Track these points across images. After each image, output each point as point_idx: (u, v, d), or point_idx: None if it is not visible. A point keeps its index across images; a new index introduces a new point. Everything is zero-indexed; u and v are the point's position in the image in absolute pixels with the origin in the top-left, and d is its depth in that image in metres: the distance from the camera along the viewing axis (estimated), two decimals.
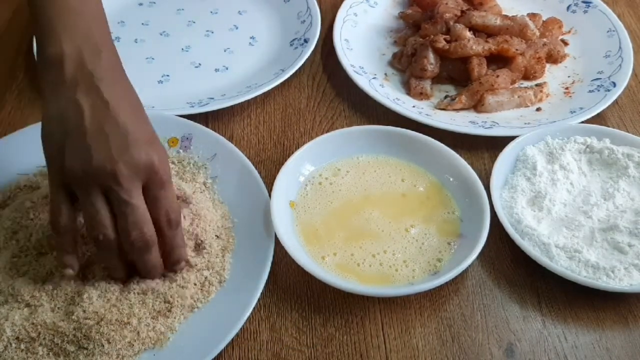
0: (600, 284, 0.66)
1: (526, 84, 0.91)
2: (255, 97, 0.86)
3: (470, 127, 0.83)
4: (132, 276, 0.64)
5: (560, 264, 0.68)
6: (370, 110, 0.88)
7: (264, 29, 1.00)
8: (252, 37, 0.98)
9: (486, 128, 0.83)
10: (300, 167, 0.76)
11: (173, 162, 0.77)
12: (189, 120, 0.80)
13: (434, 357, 0.64)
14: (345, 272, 0.68)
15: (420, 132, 0.79)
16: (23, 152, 0.74)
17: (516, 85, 0.91)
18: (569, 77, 0.93)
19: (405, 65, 0.92)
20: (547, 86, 0.90)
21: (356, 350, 0.64)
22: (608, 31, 0.97)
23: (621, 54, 0.93)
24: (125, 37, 0.97)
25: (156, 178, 0.59)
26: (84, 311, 0.61)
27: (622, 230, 0.70)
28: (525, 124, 0.84)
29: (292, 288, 0.68)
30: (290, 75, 0.89)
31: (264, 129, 0.85)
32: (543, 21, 0.98)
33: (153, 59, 0.94)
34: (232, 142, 0.78)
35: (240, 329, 0.63)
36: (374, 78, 0.90)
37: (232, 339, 0.63)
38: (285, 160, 0.75)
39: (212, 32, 0.99)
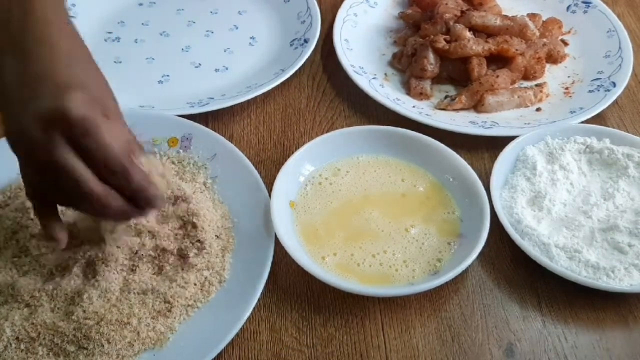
0: (600, 284, 0.66)
1: (526, 84, 0.91)
2: (255, 97, 0.86)
3: (470, 127, 0.83)
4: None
5: (560, 264, 0.68)
6: (370, 110, 0.88)
7: (264, 29, 1.00)
8: (252, 37, 0.98)
9: (486, 128, 0.83)
10: (300, 167, 0.76)
11: (173, 162, 0.77)
12: (189, 120, 0.80)
13: (434, 357, 0.64)
14: (345, 272, 0.68)
15: (420, 132, 0.79)
16: None
17: (516, 85, 0.91)
18: (568, 77, 0.93)
19: (405, 65, 0.92)
20: (547, 86, 0.90)
21: (356, 350, 0.64)
22: (608, 31, 0.97)
23: (621, 54, 0.93)
24: (125, 37, 0.97)
25: (72, 128, 0.50)
26: (84, 311, 0.61)
27: (622, 230, 0.70)
28: (525, 124, 0.84)
29: (292, 288, 0.68)
30: (290, 75, 0.89)
31: (264, 129, 0.85)
32: (543, 21, 0.98)
33: (153, 59, 0.94)
34: (232, 142, 0.78)
35: (240, 329, 0.63)
36: (374, 78, 0.90)
37: (232, 339, 0.63)
38: (285, 160, 0.75)
39: (212, 32, 0.99)
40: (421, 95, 0.88)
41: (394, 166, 0.78)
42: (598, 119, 0.85)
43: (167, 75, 0.92)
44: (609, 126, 0.85)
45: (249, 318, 0.64)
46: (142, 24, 1.00)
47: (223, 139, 0.78)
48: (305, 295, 0.68)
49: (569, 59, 0.96)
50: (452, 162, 0.76)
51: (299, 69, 0.90)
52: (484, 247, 0.67)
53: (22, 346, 0.60)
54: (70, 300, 0.62)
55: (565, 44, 0.97)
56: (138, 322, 0.62)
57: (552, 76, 0.93)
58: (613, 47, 0.94)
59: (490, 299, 0.68)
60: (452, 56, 0.88)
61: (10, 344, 0.60)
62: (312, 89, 0.91)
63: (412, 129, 0.79)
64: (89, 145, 0.50)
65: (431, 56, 0.88)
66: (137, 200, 0.55)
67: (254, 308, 0.64)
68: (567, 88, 0.91)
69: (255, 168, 0.75)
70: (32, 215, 0.68)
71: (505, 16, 0.94)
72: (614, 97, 0.86)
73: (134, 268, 0.66)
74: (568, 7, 1.02)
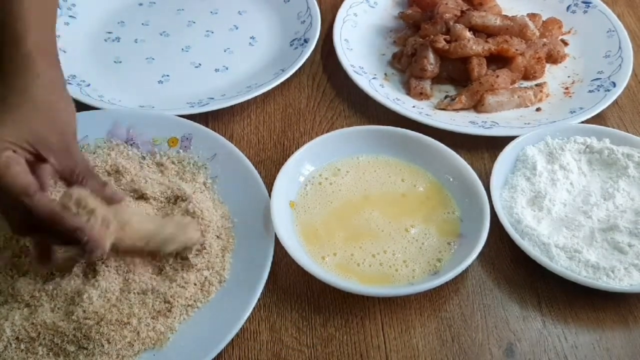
0: (600, 284, 0.66)
1: (526, 84, 0.91)
2: (255, 97, 0.86)
3: (470, 127, 0.83)
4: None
5: (560, 264, 0.68)
6: (370, 110, 0.88)
7: (264, 29, 1.00)
8: (252, 37, 0.98)
9: (486, 128, 0.83)
10: (300, 167, 0.76)
11: (173, 162, 0.77)
12: (189, 120, 0.80)
13: (434, 357, 0.64)
14: (345, 272, 0.68)
15: (420, 132, 0.79)
16: None
17: (516, 85, 0.91)
18: (568, 77, 0.93)
19: (405, 65, 0.92)
20: (547, 86, 0.90)
21: (356, 350, 0.64)
22: (608, 31, 0.97)
23: (621, 54, 0.93)
24: (125, 37, 0.97)
25: None
26: (84, 311, 0.61)
27: (622, 230, 0.70)
28: (525, 124, 0.84)
29: (292, 288, 0.68)
30: (290, 75, 0.89)
31: (264, 129, 0.85)
32: (543, 21, 0.98)
33: (153, 59, 0.94)
34: (232, 142, 0.78)
35: (240, 329, 0.63)
36: (374, 78, 0.90)
37: (232, 339, 0.63)
38: (285, 160, 0.75)
39: (212, 32, 0.99)
40: (421, 95, 0.89)
41: (394, 166, 0.78)
42: (598, 119, 0.85)
43: (167, 75, 0.92)
44: (609, 126, 0.85)
45: (249, 318, 0.64)
46: (142, 24, 1.00)
47: (223, 139, 0.78)
48: (305, 295, 0.68)
49: (569, 59, 0.96)
50: (452, 162, 0.76)
51: (299, 69, 0.90)
52: (484, 247, 0.67)
53: (22, 346, 0.60)
54: (70, 300, 0.62)
55: (565, 44, 0.97)
56: (138, 322, 0.62)
57: (552, 76, 0.93)
58: (613, 47, 0.94)
59: (490, 299, 0.68)
60: (452, 56, 0.89)
61: (10, 344, 0.60)
62: (312, 89, 0.91)
63: (412, 129, 0.79)
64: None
65: (431, 56, 0.88)
66: (58, 234, 0.57)
67: (254, 308, 0.64)
68: (567, 88, 0.91)
69: (255, 168, 0.75)
70: None
71: (505, 16, 0.94)
72: (614, 97, 0.86)
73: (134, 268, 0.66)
74: (568, 7, 1.02)
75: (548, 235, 0.70)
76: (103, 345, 0.60)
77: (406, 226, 0.72)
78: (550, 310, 0.67)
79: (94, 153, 0.77)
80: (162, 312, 0.63)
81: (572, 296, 0.68)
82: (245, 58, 0.95)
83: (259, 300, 0.65)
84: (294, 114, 0.87)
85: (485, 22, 0.91)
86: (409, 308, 0.67)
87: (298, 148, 0.77)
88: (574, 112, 0.85)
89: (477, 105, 0.87)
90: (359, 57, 0.93)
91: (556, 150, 0.78)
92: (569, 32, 1.00)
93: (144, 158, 0.77)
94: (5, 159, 0.55)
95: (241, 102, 0.85)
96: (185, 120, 0.80)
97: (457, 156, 0.76)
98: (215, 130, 0.80)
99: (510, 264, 0.71)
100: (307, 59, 0.92)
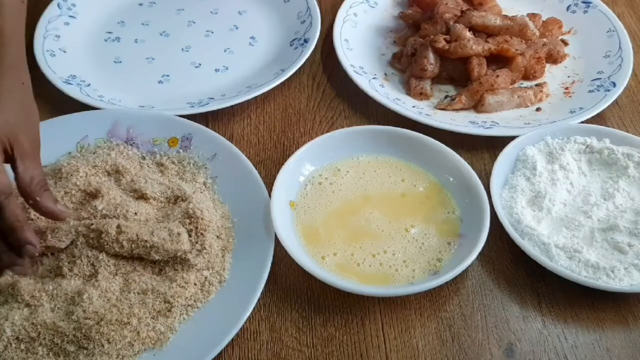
0: (600, 284, 0.66)
1: (526, 84, 0.91)
2: (255, 97, 0.86)
3: (470, 127, 0.83)
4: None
5: (560, 264, 0.68)
6: (370, 110, 0.88)
7: (264, 29, 1.00)
8: (252, 37, 0.98)
9: (486, 128, 0.83)
10: (300, 167, 0.76)
11: (173, 162, 0.77)
12: (188, 120, 0.80)
13: (434, 357, 0.64)
14: (345, 272, 0.68)
15: (420, 132, 0.79)
16: None
17: (516, 85, 0.91)
18: (568, 77, 0.93)
19: (405, 65, 0.92)
20: (547, 86, 0.90)
21: (356, 350, 0.64)
22: (608, 31, 0.97)
23: (621, 54, 0.93)
24: (125, 37, 0.97)
25: None
26: (84, 311, 0.61)
27: (622, 230, 0.70)
28: (525, 124, 0.84)
29: (292, 288, 0.68)
30: (290, 75, 0.89)
31: (264, 129, 0.85)
32: (543, 21, 0.98)
33: (153, 59, 0.94)
34: (232, 142, 0.78)
35: (240, 329, 0.63)
36: (374, 78, 0.90)
37: (232, 339, 0.63)
38: (285, 160, 0.75)
39: (212, 32, 0.99)
40: (421, 95, 0.89)
41: (394, 166, 0.78)
42: (598, 119, 0.85)
43: (167, 75, 0.92)
44: (609, 126, 0.85)
45: (249, 318, 0.64)
46: (142, 24, 1.00)
47: (223, 139, 0.78)
48: (305, 295, 0.68)
49: (569, 59, 0.96)
50: (452, 162, 0.76)
51: (299, 69, 0.90)
52: (484, 247, 0.67)
53: (22, 346, 0.60)
54: (70, 300, 0.62)
55: (565, 44, 0.97)
56: (138, 322, 0.62)
57: (552, 76, 0.93)
58: (613, 47, 0.94)
59: (490, 299, 0.68)
60: (452, 56, 0.88)
61: (11, 344, 0.60)
62: (312, 89, 0.91)
63: (412, 129, 0.79)
64: None
65: (431, 56, 0.88)
66: (11, 240, 0.61)
67: (254, 308, 0.64)
68: (567, 88, 0.91)
69: (255, 168, 0.75)
70: (32, 215, 0.68)
71: (505, 16, 0.94)
72: (614, 97, 0.86)
73: (134, 268, 0.66)
74: (568, 7, 1.02)
75: (548, 235, 0.70)
76: (103, 345, 0.60)
77: (406, 226, 0.72)
78: (550, 310, 0.67)
79: (94, 153, 0.77)
80: (162, 312, 0.63)
81: (572, 296, 0.68)
82: (245, 58, 0.95)
83: (259, 300, 0.65)
84: (294, 114, 0.87)
85: (485, 22, 0.91)
86: (409, 308, 0.67)
87: (298, 148, 0.77)
88: (574, 112, 0.85)
89: (477, 105, 0.87)
90: (359, 57, 0.93)
91: (556, 150, 0.78)
92: (569, 32, 1.00)
93: (144, 158, 0.77)
94: None
95: (241, 102, 0.85)
96: (185, 120, 0.80)
97: (457, 156, 0.76)
98: (215, 130, 0.80)
99: (510, 264, 0.71)
100: (307, 59, 0.92)
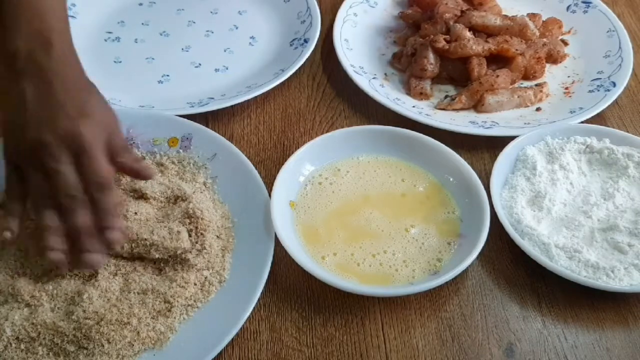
0: (600, 284, 0.66)
1: (526, 84, 0.91)
2: (255, 97, 0.86)
3: (470, 127, 0.83)
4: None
5: (560, 264, 0.68)
6: (370, 110, 0.88)
7: (264, 29, 1.00)
8: (252, 37, 0.98)
9: (486, 128, 0.83)
10: (300, 167, 0.76)
11: (173, 162, 0.77)
12: (188, 120, 0.80)
13: (434, 357, 0.64)
14: (345, 272, 0.68)
15: (420, 132, 0.79)
16: None
17: (516, 85, 0.91)
18: (568, 77, 0.93)
19: (405, 65, 0.92)
20: (547, 86, 0.90)
21: (356, 350, 0.64)
22: (608, 31, 0.97)
23: (621, 54, 0.93)
24: (125, 37, 0.97)
25: (79, 146, 0.61)
26: (84, 311, 0.61)
27: (622, 230, 0.70)
28: (525, 124, 0.84)
29: (292, 288, 0.68)
30: (290, 75, 0.89)
31: (264, 129, 0.85)
32: (543, 21, 0.98)
33: (153, 59, 0.94)
34: (232, 142, 0.78)
35: (240, 329, 0.63)
36: (374, 78, 0.90)
37: (232, 339, 0.63)
38: (285, 160, 0.75)
39: (212, 32, 0.99)
40: (421, 95, 0.89)
41: (394, 166, 0.78)
42: (598, 119, 0.85)
43: (167, 75, 0.92)
44: (609, 126, 0.85)
45: (249, 318, 0.64)
46: (142, 24, 1.00)
47: (223, 139, 0.78)
48: (305, 295, 0.68)
49: (569, 59, 0.96)
50: (452, 162, 0.76)
51: (299, 69, 0.90)
52: (484, 247, 0.67)
53: (22, 346, 0.60)
54: (70, 300, 0.62)
55: (565, 43, 0.97)
56: (138, 322, 0.62)
57: (552, 76, 0.93)
58: (613, 47, 0.94)
59: (490, 299, 0.68)
60: (452, 56, 0.88)
61: (10, 344, 0.60)
62: (312, 89, 0.91)
63: (412, 129, 0.79)
64: (84, 161, 0.61)
65: (431, 56, 0.88)
66: (101, 220, 0.62)
67: (254, 308, 0.64)
68: (567, 88, 0.91)
69: (255, 168, 0.75)
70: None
71: (505, 16, 0.94)
72: (614, 97, 0.86)
73: (134, 268, 0.66)
74: (568, 7, 1.02)
75: (548, 235, 0.70)
76: (103, 345, 0.60)
77: (406, 226, 0.72)
78: (550, 310, 0.67)
79: None
80: (162, 312, 0.63)
81: (572, 296, 0.68)
82: (245, 58, 0.95)
83: (259, 300, 0.65)
84: (294, 114, 0.87)
85: (485, 22, 0.91)
86: (409, 308, 0.67)
87: (298, 148, 0.77)
88: (574, 112, 0.85)
89: (477, 105, 0.87)
90: (359, 57, 0.93)
91: (556, 150, 0.78)
92: (569, 32, 1.00)
93: (144, 158, 0.77)
94: (101, 148, 0.62)
95: (241, 102, 0.85)
96: (185, 120, 0.80)
97: (457, 156, 0.76)
98: (215, 130, 0.80)
99: (510, 264, 0.71)
100: (307, 59, 0.92)
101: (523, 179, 0.75)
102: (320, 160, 0.77)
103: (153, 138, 0.79)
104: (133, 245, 0.65)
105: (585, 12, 1.01)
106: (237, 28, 1.00)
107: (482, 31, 0.92)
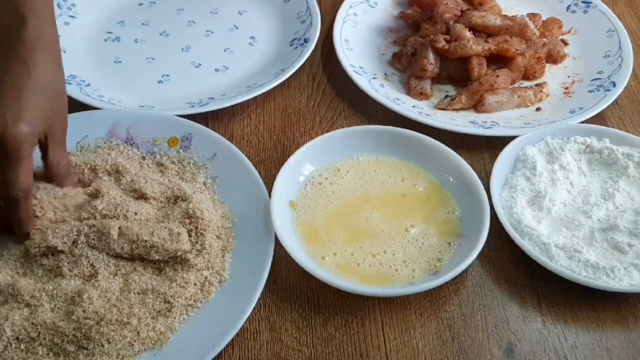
0: (600, 284, 0.66)
1: (526, 84, 0.91)
2: (255, 97, 0.86)
3: (470, 127, 0.83)
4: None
5: (560, 264, 0.68)
6: (370, 110, 0.88)
7: (264, 29, 1.00)
8: (252, 37, 0.98)
9: (486, 128, 0.83)
10: (300, 167, 0.76)
11: (173, 162, 0.77)
12: (189, 120, 0.80)
13: (434, 357, 0.64)
14: (345, 272, 0.68)
15: (420, 132, 0.79)
16: None
17: (516, 85, 0.91)
18: (568, 77, 0.93)
19: (405, 65, 0.92)
20: (547, 86, 0.90)
21: (356, 350, 0.64)
22: (608, 31, 0.97)
23: (621, 54, 0.93)
24: (125, 37, 0.97)
25: (6, 151, 0.61)
26: (84, 311, 0.61)
27: (622, 230, 0.70)
28: (525, 124, 0.84)
29: (292, 288, 0.68)
30: (290, 75, 0.89)
31: (264, 129, 0.85)
32: (543, 21, 0.98)
33: (153, 59, 0.94)
34: (232, 142, 0.78)
35: (240, 329, 0.63)
36: (374, 78, 0.90)
37: (232, 339, 0.63)
38: (285, 160, 0.75)
39: (212, 32, 0.99)
40: (421, 95, 0.89)
41: (394, 166, 0.78)
42: (598, 119, 0.85)
43: (167, 75, 0.92)
44: (609, 126, 0.85)
45: (249, 318, 0.64)
46: (142, 24, 1.00)
47: (223, 139, 0.78)
48: (305, 295, 0.68)
49: (569, 59, 0.96)
50: (452, 162, 0.76)
51: (299, 69, 0.90)
52: (484, 247, 0.67)
53: (22, 346, 0.60)
54: (70, 300, 0.62)
55: (565, 43, 0.97)
56: (138, 322, 0.62)
57: (552, 76, 0.93)
58: (613, 47, 0.94)
59: (490, 299, 0.68)
60: (452, 56, 0.89)
61: (11, 344, 0.60)
62: (312, 89, 0.91)
63: (412, 129, 0.79)
64: (7, 169, 0.61)
65: (431, 56, 0.88)
66: (14, 226, 0.65)
67: (254, 308, 0.64)
68: (567, 88, 0.91)
69: (255, 168, 0.75)
70: (37, 212, 0.68)
71: (505, 16, 0.94)
72: (614, 97, 0.87)
73: (134, 268, 0.66)
74: (568, 7, 1.02)
75: (548, 235, 0.70)
76: (103, 345, 0.60)
77: (406, 226, 0.72)
78: (550, 310, 0.67)
79: (94, 153, 0.77)
80: (162, 312, 0.63)
81: (572, 296, 0.68)
82: (245, 58, 0.95)
83: (259, 300, 0.65)
84: (294, 114, 0.87)
85: (485, 22, 0.91)
86: (409, 308, 0.67)
87: (298, 148, 0.77)
88: (574, 112, 0.85)
89: (477, 105, 0.87)
90: (359, 57, 0.93)
91: (556, 150, 0.78)
92: (569, 32, 1.00)
93: (144, 158, 0.77)
94: (27, 156, 0.61)
95: (241, 102, 0.85)
96: (185, 120, 0.80)
97: (457, 156, 0.76)
98: (215, 130, 0.80)
99: (510, 264, 0.71)
100: (307, 59, 0.92)
101: (523, 179, 0.75)
102: (320, 160, 0.77)
103: (153, 138, 0.79)
104: (133, 246, 0.65)
105: (585, 12, 1.01)
106: (237, 28, 1.00)
107: (482, 31, 0.92)
